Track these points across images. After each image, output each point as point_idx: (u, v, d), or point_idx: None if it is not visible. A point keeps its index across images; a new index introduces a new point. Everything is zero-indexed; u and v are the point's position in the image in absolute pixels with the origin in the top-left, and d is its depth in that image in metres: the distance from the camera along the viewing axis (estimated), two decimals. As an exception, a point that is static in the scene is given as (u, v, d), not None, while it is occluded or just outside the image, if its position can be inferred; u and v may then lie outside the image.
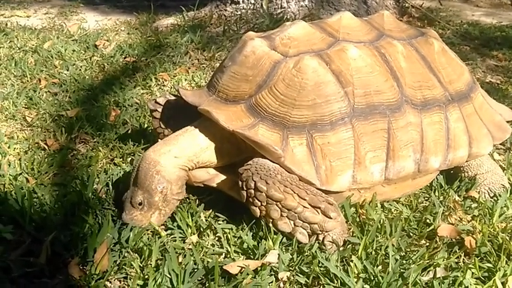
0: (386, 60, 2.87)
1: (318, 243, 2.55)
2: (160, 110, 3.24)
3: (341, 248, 2.55)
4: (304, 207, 2.53)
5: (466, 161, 3.08)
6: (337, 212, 2.59)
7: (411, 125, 2.81)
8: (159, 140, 3.00)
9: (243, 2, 6.76)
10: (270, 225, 2.59)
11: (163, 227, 2.74)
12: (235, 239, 2.65)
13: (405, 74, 2.88)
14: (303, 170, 2.64)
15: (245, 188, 2.59)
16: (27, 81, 4.71)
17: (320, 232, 2.55)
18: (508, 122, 3.30)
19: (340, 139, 2.68)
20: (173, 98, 3.27)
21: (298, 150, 2.66)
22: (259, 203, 2.57)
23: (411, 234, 2.76)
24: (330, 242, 2.55)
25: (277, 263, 2.46)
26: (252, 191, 2.56)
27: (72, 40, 5.96)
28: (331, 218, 2.54)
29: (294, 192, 2.54)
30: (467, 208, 3.01)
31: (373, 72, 2.80)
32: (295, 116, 2.68)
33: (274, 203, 2.54)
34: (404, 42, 3.01)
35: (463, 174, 3.21)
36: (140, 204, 2.64)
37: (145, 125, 3.86)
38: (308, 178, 2.63)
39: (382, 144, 2.75)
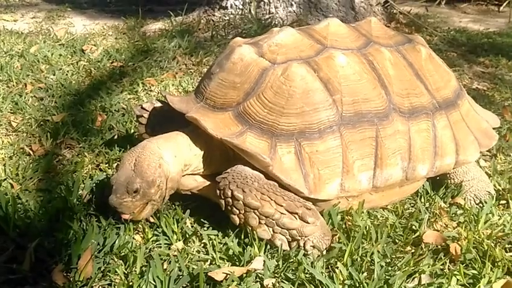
0: (374, 68, 2.88)
1: (300, 249, 2.54)
2: (146, 115, 3.23)
3: (324, 252, 2.55)
4: (281, 213, 2.53)
5: (453, 168, 3.09)
6: (316, 216, 2.58)
7: (399, 133, 2.82)
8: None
9: (231, 7, 6.77)
10: (250, 233, 2.59)
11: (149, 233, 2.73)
12: (221, 246, 2.63)
13: (393, 82, 2.88)
14: (291, 179, 2.63)
15: (223, 197, 2.60)
16: (13, 85, 4.68)
17: (300, 237, 2.55)
18: (494, 128, 3.32)
19: (328, 147, 2.68)
20: (159, 103, 3.27)
21: (286, 159, 2.65)
22: (237, 211, 2.57)
23: (397, 240, 2.76)
24: (311, 247, 2.54)
25: (262, 269, 2.45)
26: (230, 200, 2.56)
27: (59, 44, 5.93)
28: (309, 223, 2.53)
29: (271, 199, 2.54)
30: (453, 215, 3.02)
31: (361, 79, 2.80)
32: (284, 124, 2.67)
33: (252, 210, 2.54)
34: (391, 49, 3.02)
35: (449, 181, 3.22)
36: (136, 191, 2.59)
37: (132, 131, 3.84)
38: (296, 187, 2.63)
39: (370, 152, 2.74)
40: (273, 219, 2.53)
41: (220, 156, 2.83)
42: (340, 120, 2.71)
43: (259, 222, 2.55)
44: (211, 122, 2.72)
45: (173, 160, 2.72)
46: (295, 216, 2.54)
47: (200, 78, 3.47)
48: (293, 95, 2.69)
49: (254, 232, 2.57)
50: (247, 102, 2.73)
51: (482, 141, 3.13)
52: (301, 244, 2.55)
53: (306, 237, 2.54)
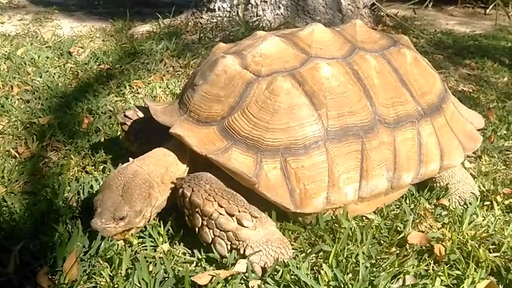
0: (359, 78, 2.84)
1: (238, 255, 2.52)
2: (129, 123, 3.22)
3: (268, 266, 2.48)
4: (220, 213, 2.50)
5: (438, 173, 3.11)
6: (260, 224, 2.55)
7: (384, 144, 2.80)
8: (131, 149, 2.97)
9: (218, 9, 6.78)
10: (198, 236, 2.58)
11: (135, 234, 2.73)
12: (206, 248, 2.63)
13: (378, 92, 2.86)
14: (276, 195, 2.60)
15: (177, 196, 2.63)
16: None
17: (237, 242, 2.51)
18: (479, 130, 3.34)
19: (314, 163, 2.65)
20: (142, 111, 3.26)
21: (272, 174, 2.62)
22: (186, 212, 2.59)
23: (382, 241, 2.77)
24: (251, 253, 2.48)
25: (245, 272, 2.45)
26: (181, 199, 2.59)
27: (46, 47, 5.92)
28: (244, 227, 2.51)
29: (215, 200, 2.53)
30: (438, 216, 3.04)
31: (347, 92, 2.76)
32: (269, 140, 2.64)
33: (196, 210, 2.53)
34: (376, 54, 2.99)
35: (435, 184, 3.24)
36: (122, 219, 2.55)
37: (118, 133, 3.83)
38: (283, 203, 2.61)
39: (356, 165, 2.72)
40: (211, 219, 2.51)
41: (203, 168, 2.75)
42: (326, 135, 2.68)
43: (202, 224, 2.54)
44: (196, 138, 2.69)
45: (162, 187, 2.71)
46: (232, 219, 2.52)
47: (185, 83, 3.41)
48: (278, 111, 2.66)
49: (199, 234, 2.56)
50: (232, 117, 2.70)
51: (466, 144, 3.14)
52: (241, 251, 2.51)
53: (243, 241, 2.51)
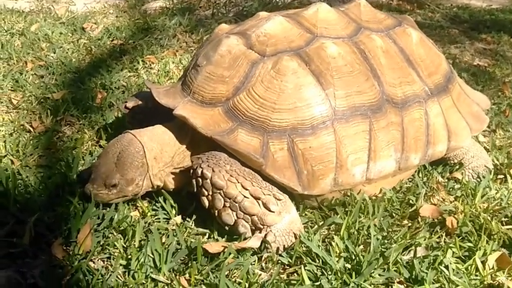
0: (366, 57, 2.81)
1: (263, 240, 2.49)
2: (131, 114, 3.19)
3: (281, 252, 2.49)
4: (244, 196, 2.47)
5: (444, 155, 3.07)
6: (284, 208, 2.53)
7: (392, 124, 2.77)
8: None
9: (232, -16, 6.73)
10: (216, 218, 2.55)
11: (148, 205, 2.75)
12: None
13: (385, 71, 2.83)
14: (284, 177, 2.58)
15: (194, 176, 2.56)
16: (14, 63, 4.68)
17: (262, 226, 2.49)
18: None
19: (321, 143, 2.62)
20: (143, 97, 3.21)
21: (279, 155, 2.59)
22: (206, 192, 2.52)
23: (394, 214, 2.78)
24: (272, 240, 2.47)
25: (258, 248, 2.47)
26: (200, 179, 2.52)
27: (60, 23, 5.92)
28: (271, 212, 2.49)
29: (238, 182, 2.49)
30: (450, 189, 3.04)
31: (354, 71, 2.73)
32: (276, 120, 2.61)
33: (218, 191, 2.49)
34: (382, 34, 2.96)
35: (449, 161, 3.23)
36: (113, 186, 2.59)
37: (132, 108, 3.84)
38: (290, 185, 2.59)
39: (364, 146, 2.69)
40: (235, 202, 2.47)
41: (206, 151, 2.68)
42: (334, 115, 2.64)
43: (224, 205, 2.49)
44: (201, 119, 2.66)
45: (153, 162, 2.69)
46: (258, 202, 2.50)
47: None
48: (285, 90, 2.62)
49: (219, 216, 2.52)
50: (237, 98, 2.67)
51: (473, 125, 3.11)
52: (262, 234, 2.49)
53: (268, 227, 2.49)
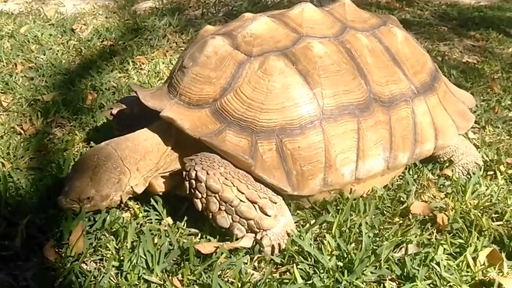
0: (352, 56, 2.81)
1: (256, 242, 2.49)
2: (116, 120, 3.16)
3: (277, 253, 2.50)
4: (240, 200, 2.46)
5: (432, 153, 3.08)
6: (280, 211, 2.53)
7: (380, 123, 2.77)
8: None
9: (221, -16, 6.73)
10: (211, 221, 2.53)
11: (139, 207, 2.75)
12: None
13: (372, 70, 2.83)
14: (274, 177, 2.57)
15: (187, 178, 2.53)
16: (3, 66, 4.66)
17: (258, 230, 2.48)
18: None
19: (310, 143, 2.61)
20: (128, 102, 3.19)
21: (268, 156, 2.59)
22: (199, 195, 2.50)
23: (385, 212, 2.80)
24: (268, 244, 2.47)
25: (250, 248, 2.48)
26: (193, 182, 2.50)
27: (49, 24, 5.89)
28: (268, 216, 2.49)
29: (233, 185, 2.47)
30: (441, 186, 3.06)
31: (340, 70, 2.73)
32: (264, 121, 2.60)
33: (213, 195, 2.47)
34: (368, 33, 2.97)
35: (439, 159, 3.24)
36: (88, 199, 2.55)
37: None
38: (280, 185, 2.58)
39: (352, 145, 2.68)
40: (231, 206, 2.46)
41: (193, 153, 2.64)
42: (322, 115, 2.64)
43: (219, 208, 2.48)
44: (188, 121, 2.64)
45: (136, 173, 2.65)
46: (255, 206, 2.49)
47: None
48: (272, 90, 2.62)
49: (214, 219, 2.50)
50: (225, 99, 2.65)
51: (460, 124, 3.12)
52: (258, 238, 2.48)
53: (264, 230, 2.48)
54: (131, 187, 2.66)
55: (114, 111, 3.17)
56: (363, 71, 2.81)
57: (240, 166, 2.58)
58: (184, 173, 2.56)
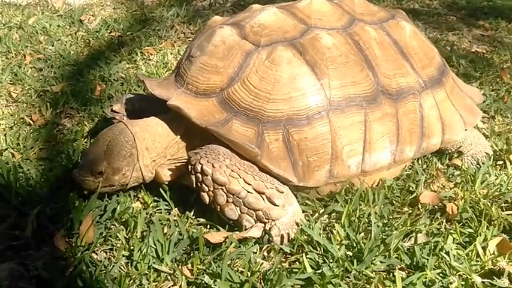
0: (360, 48, 2.81)
1: (265, 232, 2.50)
2: (118, 117, 3.13)
3: (286, 243, 2.50)
4: (248, 192, 2.46)
5: (439, 148, 3.08)
6: (288, 201, 2.53)
7: (387, 115, 2.77)
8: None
9: (229, -26, 6.71)
10: (219, 213, 2.54)
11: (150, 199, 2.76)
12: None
13: (380, 63, 2.83)
14: (280, 168, 2.58)
15: (193, 172, 2.53)
16: (12, 57, 4.68)
17: (266, 220, 2.48)
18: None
19: (317, 134, 2.61)
20: (128, 102, 3.17)
21: (274, 146, 2.58)
22: (206, 188, 2.50)
23: (394, 201, 2.79)
24: (277, 234, 2.47)
25: (259, 237, 2.48)
26: (200, 175, 2.50)
27: (57, 15, 5.90)
28: (276, 206, 2.49)
29: (240, 177, 2.48)
30: (450, 175, 3.05)
31: (348, 61, 2.73)
32: (270, 111, 2.60)
33: (220, 187, 2.48)
34: (376, 26, 2.97)
35: (448, 149, 3.22)
36: (100, 173, 2.58)
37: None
38: (285, 176, 2.58)
39: (359, 137, 2.68)
40: (239, 198, 2.46)
41: (200, 143, 2.68)
42: (329, 106, 2.63)
43: (227, 201, 2.49)
44: (195, 110, 2.64)
45: (145, 152, 2.68)
46: (262, 197, 2.49)
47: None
48: (280, 80, 2.62)
49: (222, 211, 2.51)
50: (232, 88, 2.66)
51: (467, 119, 3.11)
52: (267, 228, 2.48)
53: (272, 220, 2.48)
54: (140, 168, 2.68)
55: (115, 108, 3.16)
56: (370, 63, 2.80)
57: (246, 156, 2.58)
58: (189, 166, 2.56)
